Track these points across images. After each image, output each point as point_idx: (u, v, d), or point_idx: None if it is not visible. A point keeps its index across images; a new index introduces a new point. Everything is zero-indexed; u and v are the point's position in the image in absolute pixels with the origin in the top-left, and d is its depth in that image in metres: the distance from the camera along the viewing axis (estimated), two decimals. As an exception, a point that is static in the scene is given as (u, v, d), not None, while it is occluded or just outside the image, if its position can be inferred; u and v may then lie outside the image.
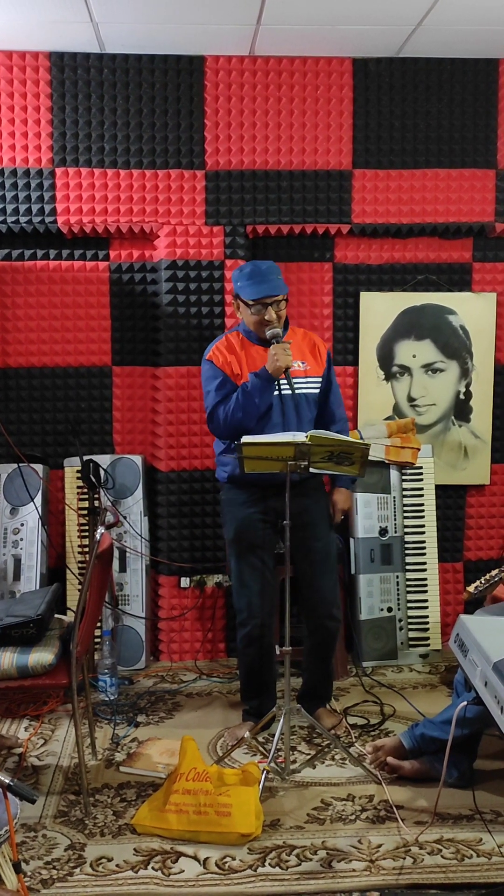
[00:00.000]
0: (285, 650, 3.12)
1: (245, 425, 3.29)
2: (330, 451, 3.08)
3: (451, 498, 4.54)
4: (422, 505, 4.35)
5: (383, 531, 4.27)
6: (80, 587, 3.91)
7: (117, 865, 2.63)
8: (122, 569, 4.25)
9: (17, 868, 1.99)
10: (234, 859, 2.65)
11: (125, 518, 4.25)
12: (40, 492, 4.18)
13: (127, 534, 4.25)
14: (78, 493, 4.25)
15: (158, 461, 4.30)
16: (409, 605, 4.28)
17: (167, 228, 4.17)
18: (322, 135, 4.21)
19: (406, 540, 4.31)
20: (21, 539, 4.15)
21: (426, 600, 4.30)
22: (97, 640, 3.98)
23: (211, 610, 4.34)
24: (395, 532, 4.28)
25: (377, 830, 2.80)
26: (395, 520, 4.29)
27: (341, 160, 4.24)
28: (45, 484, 4.23)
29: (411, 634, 4.27)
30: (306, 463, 3.07)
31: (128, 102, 4.13)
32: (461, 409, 4.48)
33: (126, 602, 4.24)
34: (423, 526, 4.34)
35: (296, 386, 3.32)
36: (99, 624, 4.03)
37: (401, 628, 4.26)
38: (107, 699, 3.82)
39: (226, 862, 2.64)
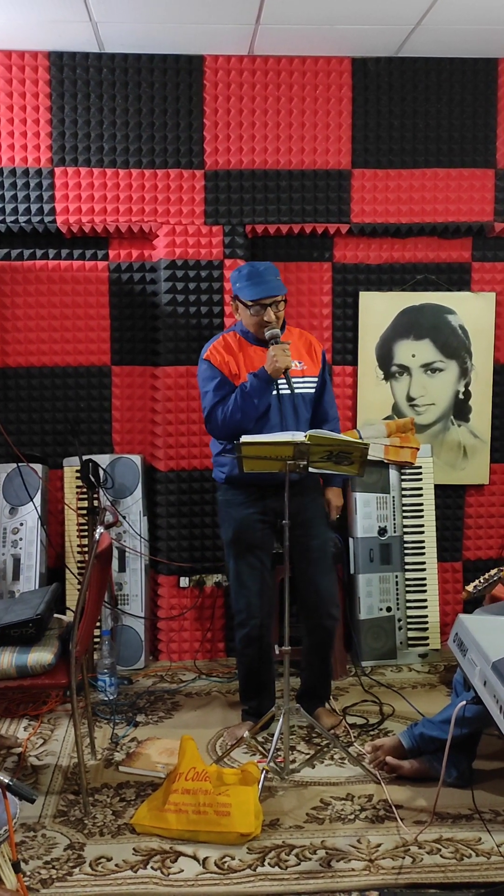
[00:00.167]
0: (284, 650, 3.12)
1: (243, 426, 3.28)
2: (329, 451, 3.08)
3: (450, 497, 4.54)
4: (421, 505, 4.35)
5: (382, 531, 4.27)
6: (79, 587, 3.91)
7: (116, 865, 2.63)
8: (122, 568, 4.25)
9: (16, 868, 1.99)
10: (233, 859, 2.65)
11: (124, 518, 4.25)
12: (39, 491, 4.18)
13: (126, 533, 4.25)
14: (77, 493, 4.25)
15: (158, 461, 4.29)
16: (409, 604, 4.28)
17: (166, 228, 4.17)
18: (321, 134, 4.21)
19: (405, 540, 4.31)
20: (20, 539, 4.15)
21: (425, 600, 4.30)
22: (96, 639, 3.98)
23: (210, 609, 4.34)
24: (395, 532, 4.29)
25: (376, 830, 2.80)
26: (394, 519, 4.29)
27: (340, 160, 4.24)
28: (44, 484, 4.23)
29: (410, 634, 4.27)
30: (305, 462, 3.07)
31: (127, 102, 4.13)
32: (460, 409, 4.48)
33: (125, 602, 4.24)
34: (422, 526, 4.34)
35: (294, 386, 3.32)
36: (98, 624, 4.03)
37: (400, 628, 4.26)
38: (106, 699, 3.82)
39: (225, 861, 2.64)
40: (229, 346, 3.41)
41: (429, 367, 4.44)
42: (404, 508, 4.32)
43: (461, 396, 4.47)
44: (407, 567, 4.30)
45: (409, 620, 4.28)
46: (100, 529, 3.08)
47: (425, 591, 4.31)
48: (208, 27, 3.81)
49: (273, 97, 4.16)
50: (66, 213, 4.16)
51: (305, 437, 3.03)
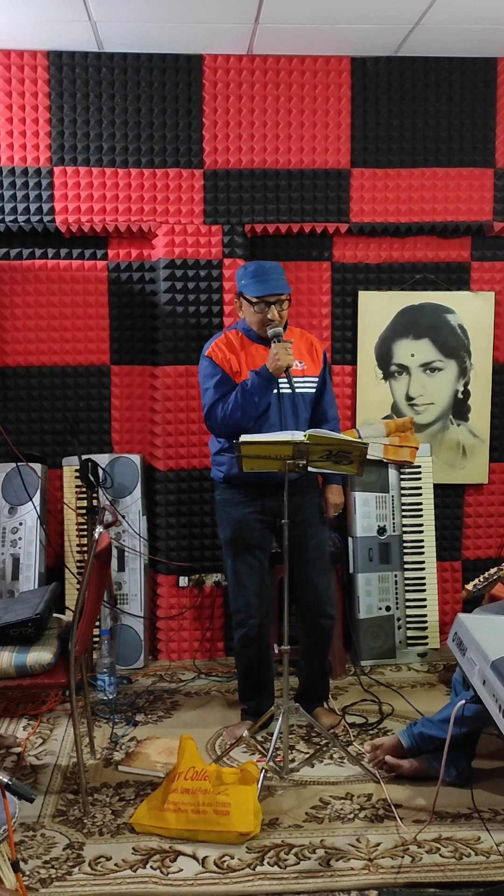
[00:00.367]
0: (283, 649, 3.12)
1: (243, 424, 3.28)
2: (328, 451, 3.08)
3: (449, 497, 4.54)
4: (420, 504, 4.35)
5: (382, 530, 4.27)
6: (78, 586, 3.90)
7: (116, 864, 2.63)
8: (121, 568, 4.25)
9: (15, 867, 1.99)
10: (232, 858, 2.65)
11: (124, 517, 4.25)
12: (39, 491, 4.18)
13: (125, 533, 4.25)
14: (76, 493, 4.25)
15: (157, 460, 4.29)
16: (408, 604, 4.28)
17: (165, 227, 4.17)
18: (320, 134, 4.21)
19: (404, 539, 4.31)
20: (19, 538, 4.15)
21: (424, 599, 4.30)
22: (96, 639, 3.98)
23: (209, 609, 4.34)
24: (394, 531, 4.29)
25: (376, 829, 2.80)
26: (393, 519, 4.29)
27: (339, 159, 4.24)
28: (43, 483, 4.23)
29: (410, 633, 4.28)
30: (305, 462, 3.07)
31: (126, 101, 4.12)
32: (459, 408, 4.48)
33: (124, 601, 4.24)
34: (421, 525, 4.34)
35: (295, 385, 3.32)
36: (97, 623, 4.03)
37: (399, 627, 4.26)
38: (105, 698, 3.82)
39: (224, 861, 2.64)
40: (231, 343, 3.41)
41: (428, 367, 4.45)
42: (403, 508, 4.32)
43: (460, 396, 4.47)
44: (406, 566, 4.30)
45: (408, 620, 4.28)
46: (99, 529, 3.08)
47: (424, 590, 4.31)
48: (207, 27, 3.81)
49: (272, 97, 4.16)
50: (65, 213, 4.16)
51: (305, 436, 3.03)
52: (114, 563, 4.19)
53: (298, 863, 2.63)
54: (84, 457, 4.16)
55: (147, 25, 3.80)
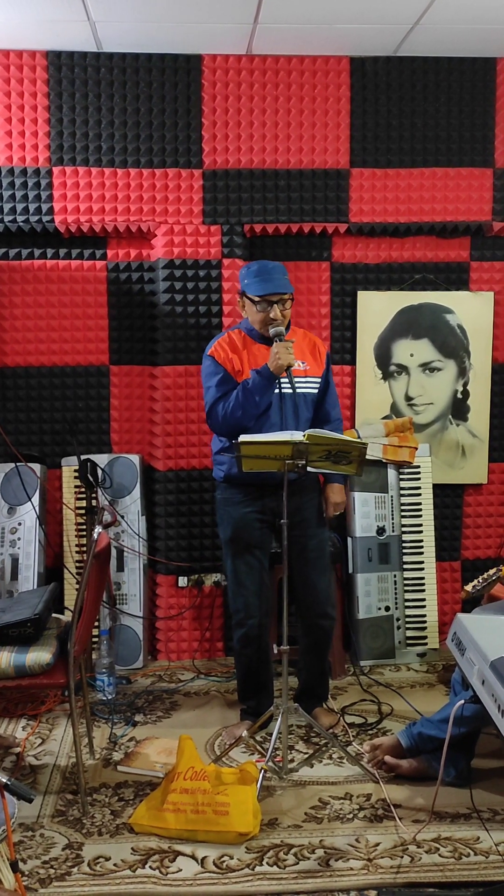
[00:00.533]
0: (282, 649, 3.12)
1: (243, 423, 3.29)
2: (328, 450, 3.08)
3: (448, 497, 4.54)
4: (419, 504, 4.35)
5: (381, 530, 4.27)
6: (77, 586, 3.90)
7: (115, 865, 2.62)
8: (120, 568, 4.25)
9: (14, 867, 1.99)
10: (231, 858, 2.65)
11: (123, 517, 4.25)
12: (38, 491, 4.17)
13: (124, 533, 4.25)
14: (75, 493, 4.25)
15: (156, 460, 4.29)
16: (407, 604, 4.28)
17: (164, 227, 4.17)
18: (319, 134, 4.21)
19: (404, 539, 4.31)
20: (19, 538, 4.15)
21: (424, 599, 4.30)
22: (95, 639, 3.98)
23: (209, 609, 4.34)
24: (393, 531, 4.29)
25: (375, 829, 2.80)
26: (392, 519, 4.29)
27: (338, 159, 4.24)
28: (42, 483, 4.23)
29: (409, 633, 4.28)
30: (304, 462, 3.07)
31: (125, 101, 4.12)
32: (459, 408, 4.48)
33: (124, 601, 4.24)
34: (420, 525, 4.34)
35: (296, 385, 3.32)
36: (97, 623, 4.03)
37: (398, 627, 4.26)
38: (104, 698, 3.82)
39: (224, 861, 2.64)
40: (234, 343, 3.42)
41: (427, 367, 4.45)
42: (403, 508, 4.32)
43: (459, 396, 4.47)
44: (405, 566, 4.30)
45: (407, 620, 4.28)
46: (98, 529, 3.08)
47: (424, 590, 4.31)
48: (206, 27, 3.81)
49: (271, 97, 4.16)
50: (64, 213, 4.16)
51: (304, 436, 3.04)
52: (113, 563, 4.18)
53: (298, 863, 2.63)
54: (83, 457, 4.16)
55: (146, 25, 3.80)
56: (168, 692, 3.96)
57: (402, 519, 4.32)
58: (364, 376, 4.42)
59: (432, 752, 3.01)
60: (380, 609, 4.25)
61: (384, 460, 4.27)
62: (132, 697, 3.88)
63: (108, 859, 2.65)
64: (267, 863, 2.63)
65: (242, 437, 3.10)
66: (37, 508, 4.14)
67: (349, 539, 4.26)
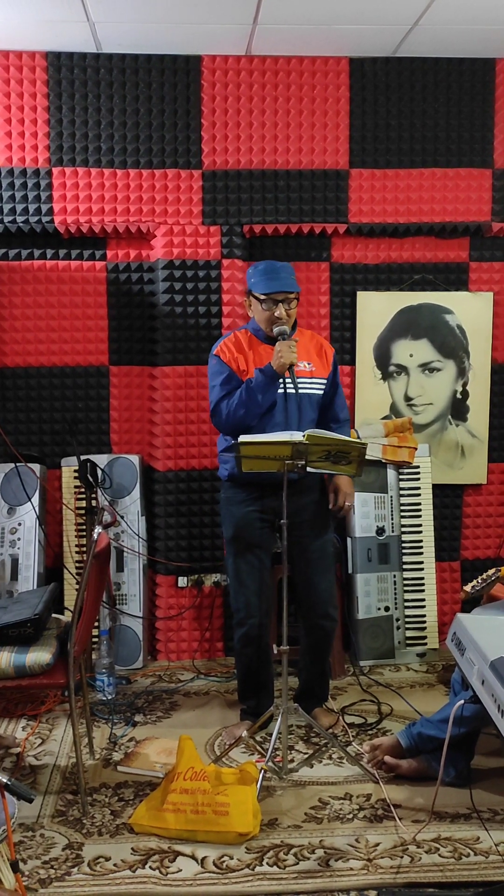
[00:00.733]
0: (282, 649, 3.12)
1: (247, 422, 3.29)
2: (327, 451, 3.08)
3: (448, 497, 4.54)
4: (419, 504, 4.35)
5: (380, 530, 4.27)
6: (77, 587, 3.90)
7: (115, 865, 2.63)
8: (120, 568, 4.25)
9: (14, 867, 1.99)
10: (231, 858, 2.65)
11: (122, 518, 4.25)
12: (38, 491, 4.17)
13: (124, 533, 4.25)
14: (75, 493, 4.25)
15: (156, 461, 4.29)
16: (407, 604, 4.28)
17: (164, 228, 4.17)
18: (319, 134, 4.21)
19: (403, 539, 4.31)
20: (18, 539, 4.15)
21: (423, 599, 4.30)
22: (95, 639, 3.98)
23: (208, 609, 4.34)
24: (393, 531, 4.29)
25: (375, 829, 2.80)
26: (392, 519, 4.29)
27: (338, 160, 4.24)
28: (42, 484, 4.23)
29: (409, 633, 4.28)
30: (303, 462, 3.08)
31: (124, 102, 4.13)
32: (458, 409, 4.49)
33: (123, 602, 4.24)
34: (420, 525, 4.34)
35: (301, 386, 3.33)
36: (96, 623, 4.03)
37: (398, 627, 4.26)
38: (104, 699, 3.82)
39: (223, 861, 2.64)
40: (239, 343, 3.43)
41: (426, 367, 4.45)
42: (402, 508, 4.33)
43: (459, 396, 4.48)
44: (405, 567, 4.30)
45: (407, 620, 4.28)
46: (98, 529, 3.08)
47: (423, 590, 4.31)
48: (206, 27, 3.82)
49: (271, 97, 4.16)
50: (63, 214, 4.16)
51: (304, 436, 3.04)
52: (113, 563, 4.18)
53: (297, 863, 2.63)
54: (83, 457, 4.16)
55: (146, 26, 3.80)
56: (168, 692, 3.96)
57: (402, 519, 4.32)
58: (363, 376, 4.42)
59: (432, 753, 3.01)
60: (379, 609, 4.25)
61: (384, 460, 4.27)
62: (132, 697, 3.88)
63: (108, 859, 2.65)
64: (267, 863, 2.63)
65: (242, 438, 3.10)
66: (36, 509, 4.14)
67: (349, 539, 4.26)
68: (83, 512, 4.19)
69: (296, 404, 3.37)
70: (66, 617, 3.34)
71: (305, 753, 3.32)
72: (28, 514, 4.16)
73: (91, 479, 4.12)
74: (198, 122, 4.16)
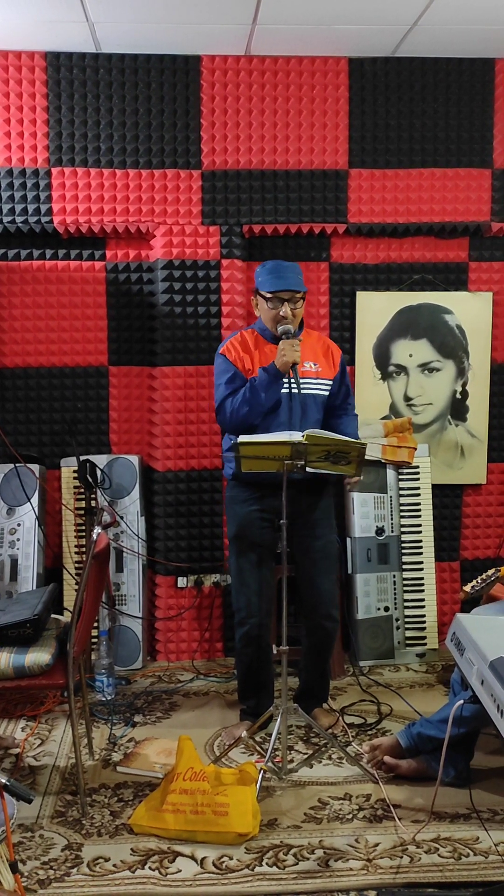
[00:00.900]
0: (282, 649, 3.12)
1: (250, 421, 3.29)
2: (327, 451, 3.08)
3: (447, 497, 4.54)
4: (418, 504, 4.35)
5: (380, 530, 4.27)
6: (76, 587, 3.90)
7: (114, 865, 2.62)
8: (119, 569, 4.25)
9: (13, 868, 1.99)
10: (231, 859, 2.65)
11: (122, 518, 4.25)
12: (37, 492, 4.17)
13: (124, 534, 4.25)
14: (75, 493, 4.25)
15: (155, 461, 4.29)
16: (406, 604, 4.28)
17: (163, 228, 4.17)
18: (318, 134, 4.21)
19: (403, 539, 4.31)
20: (18, 539, 4.14)
21: (423, 599, 4.30)
22: (94, 640, 3.98)
23: (208, 609, 4.34)
24: (392, 531, 4.29)
25: (374, 829, 2.80)
26: (391, 519, 4.29)
27: (337, 160, 4.24)
28: (41, 484, 4.23)
29: (408, 634, 4.28)
30: (303, 462, 3.07)
31: (124, 102, 4.13)
32: (457, 409, 4.49)
33: (123, 602, 4.24)
34: (419, 525, 4.34)
35: (306, 386, 3.33)
36: (96, 624, 4.02)
37: (398, 627, 4.26)
38: (104, 699, 3.82)
39: (223, 861, 2.64)
40: (245, 342, 3.44)
41: (426, 367, 4.45)
42: (402, 508, 4.32)
43: (458, 396, 4.48)
44: (405, 567, 4.30)
45: (406, 620, 4.28)
46: (97, 530, 3.08)
47: (423, 590, 4.31)
48: (205, 27, 3.82)
49: (270, 97, 4.16)
50: (63, 214, 4.16)
51: (303, 436, 3.04)
52: (112, 563, 4.18)
53: (297, 863, 2.63)
54: (82, 458, 4.16)
55: (145, 26, 3.80)
56: (167, 693, 3.96)
57: (402, 519, 4.32)
58: (363, 376, 4.42)
59: (431, 753, 3.01)
60: (379, 609, 4.25)
61: (383, 460, 4.27)
62: (131, 698, 3.88)
63: (107, 860, 2.65)
64: (266, 863, 2.63)
65: (241, 438, 3.10)
66: (36, 509, 4.14)
67: (348, 539, 4.26)
68: (82, 512, 4.19)
69: (300, 404, 3.37)
70: (66, 617, 3.34)
71: (305, 754, 3.32)
72: (27, 514, 4.16)
73: (90, 480, 4.12)
74: (197, 122, 4.15)
